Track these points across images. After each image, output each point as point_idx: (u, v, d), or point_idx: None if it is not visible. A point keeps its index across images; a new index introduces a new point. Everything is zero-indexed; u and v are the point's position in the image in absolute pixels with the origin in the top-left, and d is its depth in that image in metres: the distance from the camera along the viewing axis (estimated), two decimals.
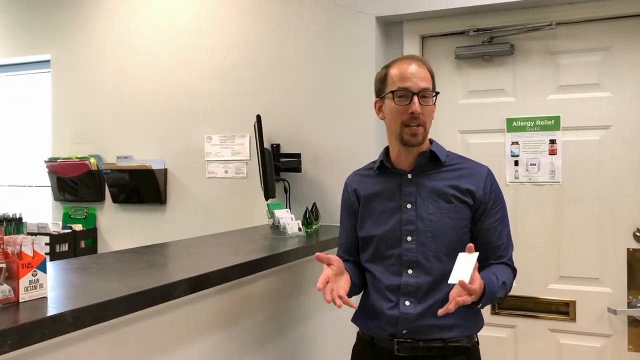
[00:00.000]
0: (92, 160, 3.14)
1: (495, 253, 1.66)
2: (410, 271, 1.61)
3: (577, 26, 2.43)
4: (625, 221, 2.37)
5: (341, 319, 1.92)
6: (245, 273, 1.65)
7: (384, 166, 1.71)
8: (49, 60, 3.37)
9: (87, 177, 3.14)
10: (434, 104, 1.64)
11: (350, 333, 1.81)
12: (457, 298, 1.38)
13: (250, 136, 2.84)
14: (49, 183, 3.32)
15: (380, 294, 1.66)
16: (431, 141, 1.71)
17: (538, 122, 2.50)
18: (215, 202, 2.93)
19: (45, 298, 1.16)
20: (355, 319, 1.76)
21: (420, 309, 1.59)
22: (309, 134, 2.70)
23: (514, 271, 1.69)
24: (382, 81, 1.68)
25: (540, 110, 2.50)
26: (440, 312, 1.40)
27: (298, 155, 2.62)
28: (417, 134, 1.61)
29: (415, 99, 1.59)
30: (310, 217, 2.37)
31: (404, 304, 1.61)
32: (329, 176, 2.65)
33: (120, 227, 3.17)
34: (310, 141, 2.69)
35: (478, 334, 1.69)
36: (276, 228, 2.32)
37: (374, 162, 1.78)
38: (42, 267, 1.16)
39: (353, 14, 2.63)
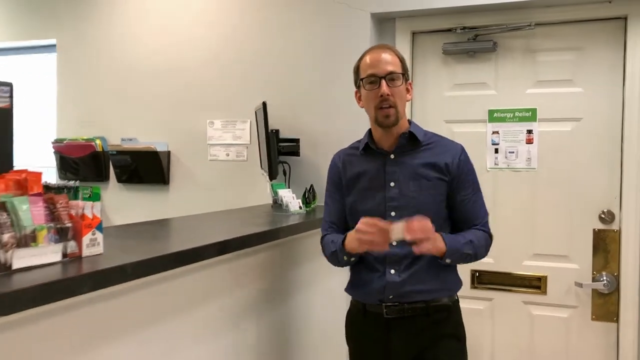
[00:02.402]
0: (98, 141, 3.31)
1: (470, 222, 1.83)
2: (394, 242, 1.74)
3: (554, 27, 2.68)
4: (592, 204, 2.63)
5: (334, 288, 2.14)
6: (260, 241, 1.87)
7: (368, 147, 1.86)
8: (54, 45, 3.51)
9: (92, 158, 3.30)
10: (404, 85, 1.80)
11: (341, 300, 2.03)
12: (424, 242, 1.61)
13: (250, 122, 3.03)
14: (53, 164, 3.47)
15: (368, 265, 1.83)
16: (410, 122, 1.87)
17: (517, 114, 2.74)
18: (216, 184, 3.12)
19: (101, 254, 1.35)
20: (348, 289, 1.95)
21: (405, 277, 1.78)
22: (307, 120, 2.91)
23: (487, 232, 1.84)
24: (356, 72, 1.85)
25: (519, 102, 2.74)
26: (416, 249, 1.62)
27: (297, 140, 2.82)
28: (389, 115, 1.76)
29: (383, 82, 1.74)
30: (309, 196, 2.59)
31: (390, 272, 1.79)
32: (325, 160, 2.80)
33: (124, 206, 3.34)
34: (308, 127, 2.90)
35: (458, 293, 1.89)
36: (279, 206, 2.53)
37: (358, 142, 1.94)
38: (99, 228, 1.36)
39: (351, 11, 2.84)
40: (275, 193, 2.51)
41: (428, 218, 1.63)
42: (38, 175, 1.32)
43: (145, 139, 3.26)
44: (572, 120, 2.66)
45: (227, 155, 3.10)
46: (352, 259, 1.82)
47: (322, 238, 1.94)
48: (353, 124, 2.83)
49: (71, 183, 1.39)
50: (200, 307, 1.67)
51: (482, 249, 1.81)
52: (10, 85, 1.34)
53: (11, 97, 1.34)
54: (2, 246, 1.13)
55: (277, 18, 3.00)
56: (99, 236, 1.35)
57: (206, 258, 1.57)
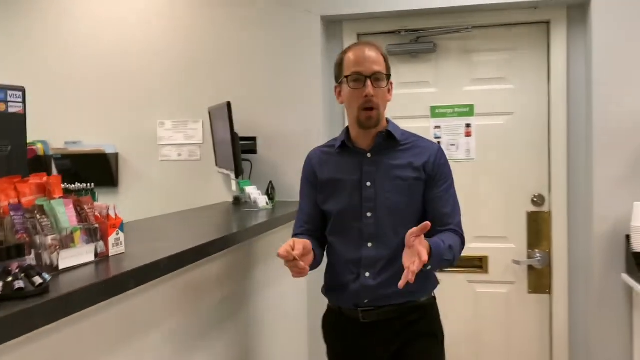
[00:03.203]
0: (39, 145, 3.19)
1: (442, 220, 1.75)
2: (369, 244, 1.74)
3: (488, 30, 2.95)
4: (525, 190, 2.93)
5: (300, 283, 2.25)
6: (249, 236, 1.95)
7: (345, 145, 1.82)
8: None
9: (34, 163, 3.18)
10: (387, 86, 1.76)
11: (311, 294, 2.12)
12: (411, 267, 1.45)
13: (203, 122, 3.07)
14: None
15: (343, 267, 1.79)
16: (388, 121, 1.83)
17: (456, 110, 2.99)
18: (169, 184, 3.12)
19: (124, 253, 1.39)
20: (324, 291, 1.90)
21: (380, 280, 1.73)
22: (261, 119, 2.99)
23: (461, 238, 1.77)
24: (339, 66, 1.79)
25: (458, 99, 2.99)
26: (401, 284, 1.46)
27: (254, 139, 2.90)
28: (372, 117, 1.72)
29: (368, 82, 1.69)
30: (272, 193, 2.68)
31: (365, 275, 1.75)
32: (282, 157, 2.96)
33: None
34: (263, 126, 2.98)
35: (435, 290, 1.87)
36: (244, 203, 2.60)
37: (334, 140, 1.90)
38: (122, 228, 1.39)
39: (301, 14, 2.95)
40: (242, 190, 2.58)
41: (408, 233, 1.52)
42: (58, 178, 1.34)
43: (91, 141, 3.19)
44: (505, 114, 2.94)
45: (180, 155, 3.12)
46: None
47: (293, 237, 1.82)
48: (306, 122, 2.96)
49: (87, 186, 1.42)
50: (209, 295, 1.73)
51: (458, 254, 1.74)
52: (22, 89, 1.33)
53: (24, 102, 1.34)
54: (46, 248, 1.15)
55: (228, 18, 3.06)
56: (122, 236, 1.39)
57: (211, 254, 1.63)
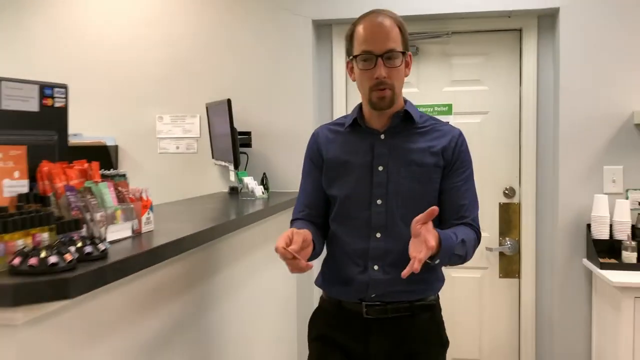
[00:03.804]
0: None
1: (458, 213, 1.61)
2: (378, 235, 1.58)
3: (466, 35, 3.20)
4: (498, 183, 3.20)
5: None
6: (254, 219, 2.16)
7: (356, 123, 1.64)
8: None
9: None
10: (404, 63, 1.57)
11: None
12: (417, 255, 1.33)
13: (200, 116, 3.26)
14: None
15: (347, 258, 1.63)
16: (405, 101, 1.66)
17: (436, 108, 3.23)
18: (167, 175, 3.31)
19: (153, 231, 1.59)
20: (320, 283, 1.73)
21: (390, 275, 1.56)
22: (256, 115, 3.19)
23: (477, 232, 1.63)
24: (349, 40, 1.61)
25: (437, 99, 3.23)
26: (405, 273, 1.33)
27: (249, 133, 3.11)
28: (385, 97, 1.54)
29: (380, 61, 1.51)
30: (266, 183, 2.90)
31: (373, 268, 1.59)
32: (274, 150, 3.18)
33: None
34: (257, 121, 3.19)
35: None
36: (242, 193, 2.81)
37: (344, 117, 1.72)
38: (152, 209, 1.60)
39: (294, 17, 3.16)
40: (241, 180, 2.79)
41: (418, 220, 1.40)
42: (96, 165, 1.55)
43: (91, 134, 3.35)
44: (481, 114, 3.20)
45: (177, 148, 3.31)
46: None
47: (291, 222, 1.74)
48: (297, 118, 3.17)
49: (121, 171, 1.62)
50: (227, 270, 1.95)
51: (471, 251, 1.59)
52: (65, 87, 1.53)
53: (66, 97, 1.53)
54: (96, 223, 1.35)
55: (225, 20, 3.25)
56: (152, 215, 1.59)
57: (227, 233, 1.85)
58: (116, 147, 3.35)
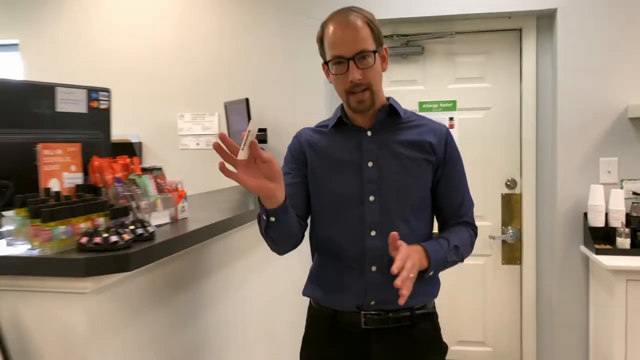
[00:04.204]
0: None
1: (455, 213, 1.60)
2: (373, 233, 1.50)
3: (470, 35, 3.38)
4: (500, 175, 3.38)
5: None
6: None
7: (341, 123, 1.58)
8: (17, 44, 3.69)
9: None
10: (379, 59, 1.50)
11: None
12: (402, 273, 1.28)
13: (218, 114, 3.47)
14: None
15: (341, 262, 1.54)
16: (388, 98, 1.61)
17: (441, 105, 3.42)
18: (188, 170, 3.52)
19: (187, 218, 1.80)
20: (310, 292, 1.62)
21: (390, 278, 1.34)
22: (271, 112, 3.39)
23: (473, 229, 1.63)
24: (320, 44, 1.56)
25: (442, 95, 3.42)
26: (401, 301, 1.27)
27: (265, 130, 3.31)
28: (364, 100, 1.48)
29: (352, 64, 1.44)
30: None
31: (371, 270, 1.50)
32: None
33: None
34: (272, 118, 3.39)
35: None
36: None
37: (327, 120, 1.66)
38: (186, 199, 1.80)
39: (308, 20, 3.36)
40: None
41: (403, 244, 1.36)
42: (137, 159, 1.75)
43: (117, 132, 3.56)
44: (484, 109, 3.38)
45: (198, 144, 3.52)
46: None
47: None
48: (310, 114, 3.35)
49: (158, 165, 1.82)
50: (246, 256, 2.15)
51: (467, 250, 1.59)
52: (109, 90, 1.73)
53: (109, 100, 1.74)
54: (141, 211, 1.56)
55: (242, 22, 3.45)
56: (186, 205, 1.80)
57: (247, 222, 2.05)
58: (140, 143, 3.56)
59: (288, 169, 1.64)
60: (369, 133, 1.57)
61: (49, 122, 1.58)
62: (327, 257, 1.59)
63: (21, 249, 1.25)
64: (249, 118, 2.94)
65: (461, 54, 3.40)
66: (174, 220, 1.72)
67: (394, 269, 1.29)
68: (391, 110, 1.58)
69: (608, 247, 2.87)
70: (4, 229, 1.36)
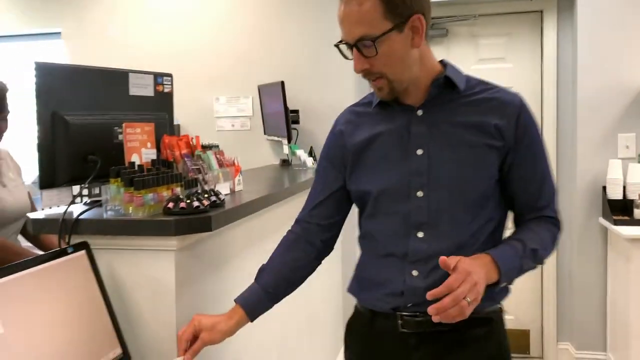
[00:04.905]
0: None
1: (533, 206, 1.32)
2: (420, 234, 1.28)
3: (492, 17, 3.52)
4: None
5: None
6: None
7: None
8: (59, 32, 3.90)
9: None
10: (391, 39, 1.20)
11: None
12: (445, 301, 1.08)
13: (252, 97, 3.66)
14: None
15: (382, 262, 1.34)
16: (445, 64, 1.33)
17: None
18: (224, 150, 3.69)
19: (242, 190, 2.00)
20: (351, 289, 1.45)
21: (431, 281, 1.23)
22: (303, 94, 3.58)
23: (556, 224, 1.34)
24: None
25: None
26: (432, 311, 1.10)
27: (297, 111, 3.49)
28: (381, 87, 1.27)
29: (355, 52, 1.23)
30: (314, 155, 3.29)
31: (411, 273, 1.28)
32: (320, 126, 3.55)
33: None
34: (304, 100, 3.57)
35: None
36: (295, 163, 3.21)
37: (372, 94, 1.38)
38: (241, 173, 2.00)
39: (336, 5, 3.51)
40: (293, 153, 3.19)
41: (452, 261, 1.13)
42: (198, 138, 1.94)
43: None
44: None
45: (233, 125, 3.71)
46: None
47: (290, 229, 1.50)
48: (340, 96, 3.54)
49: (215, 143, 2.02)
50: None
51: (548, 252, 1.31)
52: (171, 75, 1.92)
53: (171, 84, 1.93)
54: (206, 182, 1.76)
55: (274, 9, 3.63)
56: (241, 178, 2.00)
57: (295, 193, 2.25)
58: (178, 125, 3.76)
59: (322, 174, 1.47)
60: (420, 112, 1.30)
61: (123, 105, 1.77)
62: (368, 253, 1.41)
63: (117, 213, 1.46)
64: (284, 99, 3.12)
65: (484, 35, 3.55)
66: (232, 192, 1.92)
67: (429, 295, 1.10)
68: (447, 82, 1.29)
69: (626, 218, 3.03)
70: (100, 197, 1.57)
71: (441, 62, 1.35)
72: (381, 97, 1.31)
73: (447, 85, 1.30)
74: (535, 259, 1.27)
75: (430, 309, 1.09)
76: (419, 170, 1.29)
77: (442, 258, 1.13)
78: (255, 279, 1.41)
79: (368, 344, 1.41)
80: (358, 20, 1.21)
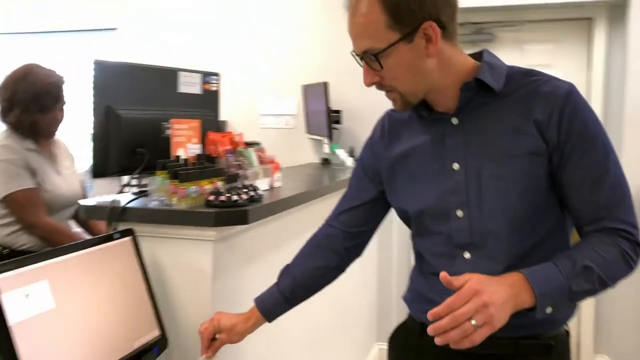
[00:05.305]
0: None
1: (592, 216, 1.11)
2: (467, 255, 1.17)
3: (539, 24, 3.50)
4: None
5: None
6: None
7: (423, 107, 1.21)
8: (115, 28, 4.08)
9: None
10: (399, 51, 1.10)
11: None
12: (442, 322, 0.96)
13: (297, 96, 3.74)
14: None
15: (429, 279, 1.24)
16: (483, 56, 1.18)
17: None
18: (268, 147, 3.77)
19: (281, 187, 2.07)
20: (405, 299, 1.36)
21: None
22: (345, 95, 3.63)
23: (628, 237, 1.08)
24: None
25: None
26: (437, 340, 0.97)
27: (339, 112, 3.55)
28: (395, 100, 1.19)
29: (364, 64, 1.16)
30: (355, 155, 3.34)
31: None
32: (361, 127, 3.60)
33: None
34: (346, 101, 3.63)
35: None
36: (334, 163, 3.28)
37: None
38: (280, 170, 2.07)
39: None
40: (333, 152, 3.26)
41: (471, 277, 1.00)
42: (241, 135, 2.03)
43: None
44: None
45: (277, 123, 3.81)
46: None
47: (318, 229, 1.47)
48: (380, 98, 3.58)
49: (256, 140, 2.10)
50: None
51: (615, 267, 1.08)
52: (218, 74, 2.02)
53: (218, 83, 2.02)
54: (247, 178, 1.84)
55: (321, 12, 3.70)
56: (280, 175, 2.07)
57: (333, 191, 2.31)
58: (225, 122, 3.88)
59: (354, 183, 1.40)
60: (454, 121, 1.18)
61: (172, 101, 1.87)
62: (418, 267, 1.32)
63: (162, 203, 1.55)
64: (327, 100, 3.19)
65: (530, 42, 3.52)
66: (272, 188, 1.99)
67: (429, 315, 0.98)
68: (480, 85, 1.14)
69: None
70: (147, 188, 1.67)
71: (480, 53, 1.20)
72: (397, 110, 1.23)
73: (483, 87, 1.14)
74: (591, 278, 1.04)
75: (429, 329, 0.96)
76: (457, 188, 1.17)
77: (443, 274, 1.00)
78: (277, 279, 1.42)
79: (415, 355, 1.30)
80: (362, 32, 1.13)
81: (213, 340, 1.39)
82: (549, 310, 1.03)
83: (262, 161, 1.98)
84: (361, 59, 1.15)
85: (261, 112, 3.84)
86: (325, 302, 2.29)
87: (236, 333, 1.37)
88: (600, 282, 1.06)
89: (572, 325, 3.42)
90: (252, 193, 1.63)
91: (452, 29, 1.14)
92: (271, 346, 1.84)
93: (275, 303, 1.39)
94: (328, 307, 2.45)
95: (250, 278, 1.71)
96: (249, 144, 2.04)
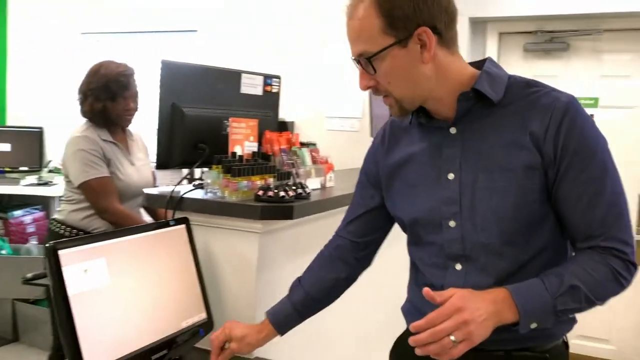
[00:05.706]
0: None
1: (585, 234, 1.09)
2: (458, 267, 1.17)
3: (617, 33, 3.37)
4: (637, 174, 3.35)
5: None
6: None
7: (423, 114, 1.19)
8: (196, 31, 4.31)
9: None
10: (394, 55, 1.09)
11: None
12: (421, 336, 0.97)
13: (364, 99, 3.80)
14: None
15: (421, 289, 1.12)
16: (484, 66, 1.15)
17: (581, 101, 3.43)
18: (333, 149, 3.83)
19: (333, 187, 2.14)
20: (403, 309, 1.36)
21: None
22: None
23: (620, 256, 1.07)
24: None
25: (583, 92, 3.45)
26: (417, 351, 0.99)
27: None
28: (391, 106, 1.17)
29: (360, 68, 1.15)
30: None
31: None
32: None
33: None
34: None
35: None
36: None
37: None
38: (333, 171, 2.14)
39: None
40: None
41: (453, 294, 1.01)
42: (297, 135, 2.12)
43: None
44: (627, 108, 3.37)
45: (342, 126, 3.88)
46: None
47: (329, 241, 1.47)
48: None
49: (312, 141, 2.18)
50: None
51: (604, 287, 1.07)
52: (279, 77, 2.12)
53: (279, 85, 2.12)
54: (299, 176, 1.92)
55: None
56: (333, 175, 2.14)
57: None
58: (292, 122, 4.00)
59: (359, 192, 1.42)
60: (453, 130, 1.16)
61: (234, 101, 1.99)
62: (412, 278, 1.33)
63: (215, 195, 1.66)
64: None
65: (608, 51, 3.40)
66: (323, 187, 2.07)
67: (411, 327, 0.99)
68: (477, 95, 1.12)
69: None
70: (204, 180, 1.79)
71: (483, 62, 1.17)
72: (394, 116, 1.20)
73: (481, 97, 1.13)
74: (577, 298, 1.04)
75: (410, 340, 0.99)
76: (451, 198, 1.15)
77: (425, 290, 1.02)
78: (289, 292, 1.42)
79: None
80: (357, 36, 1.13)
81: (223, 349, 1.40)
82: (533, 325, 1.03)
83: (315, 161, 2.06)
84: (358, 62, 1.15)
85: (327, 114, 3.92)
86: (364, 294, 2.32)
87: (247, 344, 1.38)
88: (587, 301, 1.06)
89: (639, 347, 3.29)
90: (300, 190, 1.71)
91: (449, 36, 1.12)
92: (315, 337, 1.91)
93: (286, 315, 1.39)
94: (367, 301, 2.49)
95: (294, 271, 1.78)
96: (304, 144, 2.12)
